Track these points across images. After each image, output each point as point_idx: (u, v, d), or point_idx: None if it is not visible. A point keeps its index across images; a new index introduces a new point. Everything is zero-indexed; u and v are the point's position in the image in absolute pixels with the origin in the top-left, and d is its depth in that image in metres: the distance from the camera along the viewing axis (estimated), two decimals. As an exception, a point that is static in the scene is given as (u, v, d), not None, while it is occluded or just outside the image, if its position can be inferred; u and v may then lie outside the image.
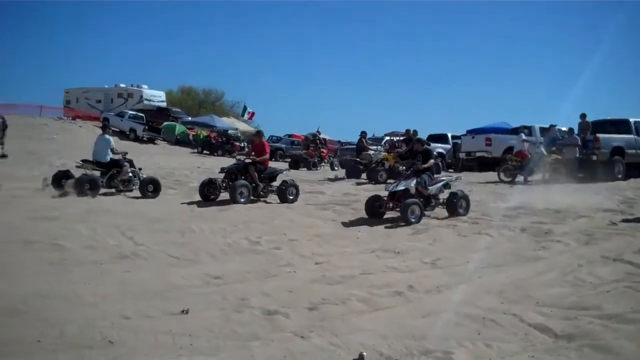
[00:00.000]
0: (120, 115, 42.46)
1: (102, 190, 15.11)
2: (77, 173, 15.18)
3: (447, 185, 14.08)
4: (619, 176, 20.45)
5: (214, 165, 25.41)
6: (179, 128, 42.94)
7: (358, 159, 22.87)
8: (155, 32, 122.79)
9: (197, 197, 15.02)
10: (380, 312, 6.66)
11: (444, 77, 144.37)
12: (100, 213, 12.19)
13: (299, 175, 22.48)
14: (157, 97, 51.73)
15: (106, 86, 52.91)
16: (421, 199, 12.96)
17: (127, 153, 16.69)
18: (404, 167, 14.37)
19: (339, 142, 41.50)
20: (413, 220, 12.31)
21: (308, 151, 28.94)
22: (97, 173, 15.35)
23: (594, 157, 20.39)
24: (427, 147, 14.69)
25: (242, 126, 50.33)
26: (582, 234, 11.00)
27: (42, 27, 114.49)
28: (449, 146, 29.85)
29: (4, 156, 22.65)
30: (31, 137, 33.18)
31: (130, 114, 42.38)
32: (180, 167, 24.61)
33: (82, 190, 14.29)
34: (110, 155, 15.69)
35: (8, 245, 8.83)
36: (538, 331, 6.06)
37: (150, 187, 15.41)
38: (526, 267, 8.87)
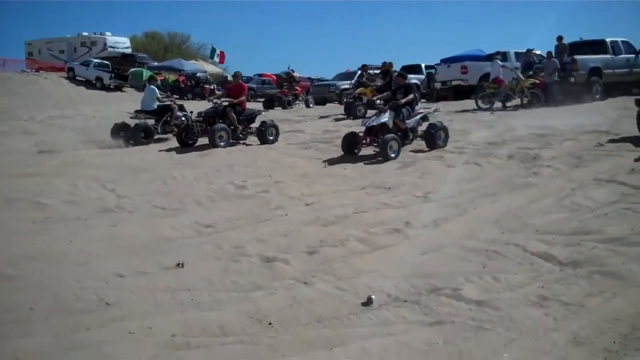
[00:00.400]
0: (85, 64, 41.16)
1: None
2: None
3: (425, 118, 13.67)
4: (597, 97, 20.32)
5: (187, 109, 24.92)
6: (146, 74, 41.76)
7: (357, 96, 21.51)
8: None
9: (175, 144, 14.64)
10: (381, 251, 6.47)
11: (415, 7, 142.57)
12: (77, 165, 11.79)
13: (275, 115, 22.12)
14: (121, 43, 50.23)
15: (68, 35, 51.26)
16: (399, 133, 12.69)
17: (173, 99, 18.08)
18: (382, 102, 13.86)
19: (309, 79, 40.95)
20: (392, 155, 12.00)
21: (282, 90, 28.43)
22: (151, 121, 15.95)
23: (572, 79, 20.19)
24: (409, 81, 14.13)
25: (211, 68, 49.17)
26: (571, 156, 10.88)
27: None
28: (422, 76, 29.48)
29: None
30: (-6, 92, 32.21)
31: (96, 62, 41.10)
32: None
33: (138, 138, 15.22)
34: (156, 103, 16.16)
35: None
36: (543, 260, 5.97)
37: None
38: (519, 194, 8.72)
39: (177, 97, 36.19)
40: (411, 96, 13.22)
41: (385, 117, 12.66)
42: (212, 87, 39.22)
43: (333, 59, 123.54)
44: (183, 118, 16.08)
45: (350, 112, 20.32)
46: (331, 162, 12.11)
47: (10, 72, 42.21)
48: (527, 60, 21.61)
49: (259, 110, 17.03)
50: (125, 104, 27.12)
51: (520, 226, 7.16)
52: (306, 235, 7.04)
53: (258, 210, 8.35)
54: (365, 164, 11.76)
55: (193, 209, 8.55)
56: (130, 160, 12.70)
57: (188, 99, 34.93)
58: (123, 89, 39.48)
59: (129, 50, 49.89)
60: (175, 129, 15.75)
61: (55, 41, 51.18)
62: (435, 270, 5.77)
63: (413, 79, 26.28)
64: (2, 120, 20.29)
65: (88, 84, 38.61)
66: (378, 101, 13.97)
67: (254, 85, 39.33)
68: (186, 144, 14.56)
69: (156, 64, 47.63)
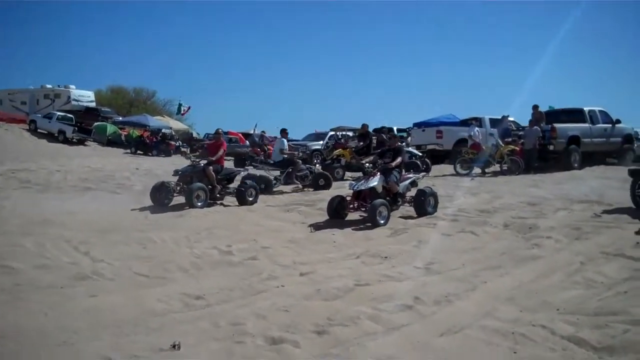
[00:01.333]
0: (48, 116, 40.25)
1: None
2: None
3: (414, 183, 13.24)
4: (575, 165, 20.28)
5: (153, 167, 24.24)
6: (111, 128, 41.08)
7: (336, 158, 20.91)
8: (81, 32, 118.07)
9: (147, 202, 13.88)
10: (396, 332, 5.81)
11: (385, 69, 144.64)
12: (42, 224, 10.97)
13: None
14: (85, 97, 49.41)
15: (32, 87, 50.36)
16: (388, 198, 12.16)
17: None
18: (370, 165, 13.30)
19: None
20: (381, 222, 11.38)
21: (254, 149, 27.83)
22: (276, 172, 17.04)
23: (551, 147, 20.11)
24: (401, 144, 13.67)
25: (176, 125, 48.70)
26: (569, 228, 10.48)
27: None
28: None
29: None
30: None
31: (59, 115, 40.21)
32: (118, 169, 23.13)
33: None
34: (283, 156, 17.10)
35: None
36: (574, 344, 5.40)
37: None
38: (526, 267, 8.23)
39: (142, 152, 35.61)
40: (400, 159, 12.75)
41: (375, 181, 12.11)
42: (177, 143, 38.65)
43: (299, 120, 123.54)
44: (307, 171, 17.24)
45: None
46: (317, 226, 11.49)
47: (-31, 123, 41.13)
48: (504, 127, 21.54)
49: (239, 170, 16.37)
50: (90, 159, 26.41)
51: (537, 304, 6.60)
52: (310, 311, 6.35)
53: (249, 280, 7.63)
54: (353, 229, 11.17)
55: (178, 277, 7.78)
56: (99, 220, 11.89)
57: (153, 155, 34.24)
58: (86, 143, 38.50)
59: (94, 104, 49.29)
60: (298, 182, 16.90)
61: (17, 92, 50.27)
62: (461, 355, 5.15)
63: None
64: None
65: (50, 137, 37.71)
66: (367, 164, 13.27)
67: (220, 144, 38.72)
68: (160, 203, 13.77)
69: (121, 118, 47.01)
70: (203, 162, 14.48)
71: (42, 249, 8.91)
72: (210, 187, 14.04)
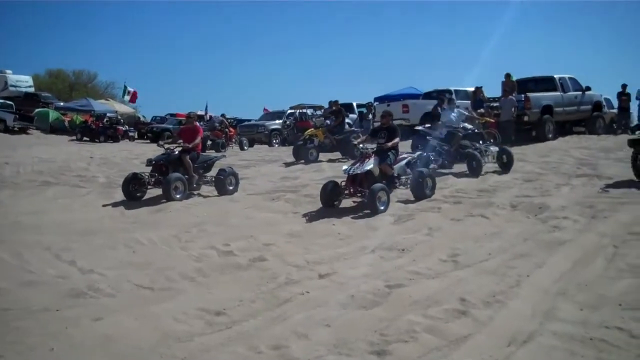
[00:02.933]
0: (-14, 104, 38.21)
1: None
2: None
3: (410, 164, 12.36)
4: (550, 136, 19.90)
5: (107, 154, 23.00)
6: (53, 114, 39.15)
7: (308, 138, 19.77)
8: (12, 12, 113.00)
9: (117, 196, 12.84)
10: (462, 345, 5.04)
11: (335, 44, 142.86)
12: (12, 228, 9.91)
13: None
14: (23, 82, 46.99)
15: (-35, 73, 47.77)
16: (384, 181, 11.33)
17: None
18: (365, 146, 12.11)
19: (234, 119, 39.47)
20: (381, 208, 10.63)
21: (215, 132, 26.70)
22: None
23: (526, 118, 19.62)
24: (392, 123, 12.53)
25: (122, 108, 46.77)
26: (581, 206, 10.07)
27: None
28: (355, 116, 28.69)
29: None
30: None
31: (-2, 102, 38.21)
32: (71, 158, 21.77)
33: None
34: None
35: None
36: (661, 349, 4.75)
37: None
38: (558, 254, 7.64)
39: (88, 139, 33.98)
40: (397, 139, 11.96)
41: (371, 164, 11.32)
42: (125, 128, 37.13)
43: (246, 99, 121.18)
44: None
45: (301, 156, 18.83)
46: (312, 216, 10.70)
47: None
48: (477, 98, 20.95)
49: (216, 156, 15.33)
50: (37, 148, 24.89)
51: (595, 299, 5.98)
52: (354, 324, 5.54)
53: (267, 287, 6.77)
54: (352, 218, 10.43)
55: (186, 287, 6.84)
56: (73, 220, 10.84)
57: (100, 142, 32.74)
58: (28, 132, 36.57)
59: (32, 90, 46.88)
60: None
61: (-51, 80, 47.53)
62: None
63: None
64: None
65: (-11, 126, 35.61)
66: (361, 145, 12.28)
67: (170, 126, 37.50)
68: (133, 197, 12.69)
69: (62, 104, 45.04)
70: (178, 150, 13.39)
71: (21, 260, 7.82)
72: (187, 177, 13.08)
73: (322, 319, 5.66)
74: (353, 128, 22.68)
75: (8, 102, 38.69)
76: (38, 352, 4.88)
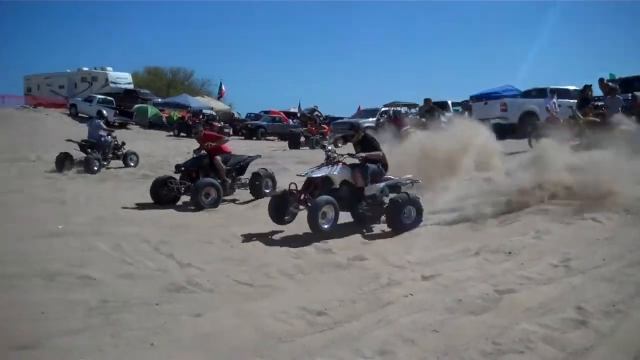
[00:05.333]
0: (88, 100, 39.62)
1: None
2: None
3: (396, 188, 10.07)
4: (659, 137, 18.74)
5: (238, 149, 23.23)
6: (152, 110, 40.31)
7: None
8: (116, 13, 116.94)
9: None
10: (582, 358, 4.65)
11: (430, 43, 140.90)
12: (113, 220, 10.03)
13: (301, 156, 20.53)
14: (123, 79, 48.67)
15: (68, 70, 49.75)
16: (347, 197, 9.51)
17: None
18: (333, 149, 10.04)
19: (327, 117, 39.52)
20: (324, 227, 8.86)
21: (309, 128, 26.64)
22: None
23: (634, 118, 18.54)
24: (366, 134, 10.32)
25: (217, 105, 47.65)
26: None
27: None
28: (450, 114, 28.03)
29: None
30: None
31: (99, 98, 39.54)
32: (169, 153, 22.33)
33: None
34: None
35: (24, 283, 6.53)
36: None
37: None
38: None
39: (185, 135, 34.64)
40: (378, 153, 9.88)
41: (335, 172, 9.48)
42: (220, 124, 37.72)
43: (339, 97, 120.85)
44: None
45: (395, 154, 18.49)
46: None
47: (10, 108, 40.78)
48: (584, 97, 19.94)
49: (251, 156, 14.26)
50: (136, 143, 25.48)
51: None
52: (463, 330, 5.19)
53: (369, 287, 6.50)
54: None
55: (286, 285, 6.67)
56: (168, 213, 10.97)
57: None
58: (128, 127, 37.71)
59: (131, 86, 48.46)
60: None
61: (54, 76, 49.88)
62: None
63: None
64: (10, 161, 18.58)
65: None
66: (329, 147, 10.11)
67: (264, 123, 37.90)
68: (161, 201, 12.08)
69: (159, 100, 46.22)
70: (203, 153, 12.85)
71: (120, 251, 7.84)
72: (220, 181, 12.35)
73: (428, 323, 5.34)
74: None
75: (109, 98, 40.01)
76: (137, 347, 4.77)
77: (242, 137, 36.06)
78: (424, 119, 19.83)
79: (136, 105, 40.40)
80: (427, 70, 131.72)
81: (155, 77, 63.87)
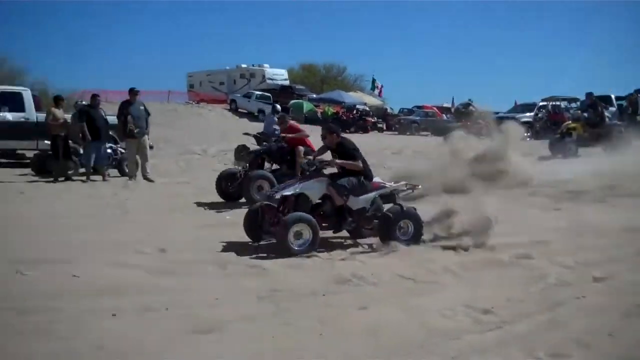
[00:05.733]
0: (247, 96, 41.27)
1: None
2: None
3: (389, 197, 8.63)
4: None
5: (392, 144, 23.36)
6: (307, 106, 41.19)
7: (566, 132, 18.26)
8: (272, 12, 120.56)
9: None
10: None
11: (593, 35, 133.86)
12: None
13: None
14: (279, 75, 50.16)
15: (228, 67, 51.86)
16: (327, 211, 8.24)
17: None
18: (310, 161, 8.95)
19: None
20: (296, 249, 7.56)
21: (464, 123, 26.06)
22: None
23: None
24: (344, 139, 8.58)
25: (370, 100, 47.84)
26: None
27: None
28: (614, 109, 26.58)
29: (151, 147, 21.56)
30: (162, 124, 32.24)
31: (258, 94, 41.03)
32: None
33: None
34: None
35: (199, 269, 6.99)
36: None
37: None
38: None
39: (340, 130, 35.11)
40: (357, 163, 8.24)
41: (310, 189, 8.09)
42: (374, 119, 38.01)
43: (495, 91, 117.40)
44: None
45: (558, 150, 17.76)
46: (576, 212, 9.96)
47: (174, 103, 43.09)
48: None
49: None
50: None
51: None
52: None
53: (536, 287, 6.32)
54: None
55: (448, 280, 6.61)
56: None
57: (350, 132, 33.67)
58: (284, 122, 38.73)
59: (287, 82, 49.69)
60: None
61: (215, 73, 52.06)
62: None
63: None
64: (178, 154, 19.70)
65: (250, 116, 38.37)
66: (305, 160, 9.61)
67: (417, 118, 37.72)
68: (227, 198, 11.58)
69: (314, 95, 47.10)
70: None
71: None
72: (289, 172, 11.26)
73: (604, 328, 5.09)
74: (615, 121, 21.00)
75: (266, 94, 41.35)
76: (308, 336, 4.90)
77: (396, 133, 36.11)
78: (586, 114, 18.86)
79: (292, 101, 41.40)
80: (587, 62, 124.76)
81: (309, 73, 65.01)
